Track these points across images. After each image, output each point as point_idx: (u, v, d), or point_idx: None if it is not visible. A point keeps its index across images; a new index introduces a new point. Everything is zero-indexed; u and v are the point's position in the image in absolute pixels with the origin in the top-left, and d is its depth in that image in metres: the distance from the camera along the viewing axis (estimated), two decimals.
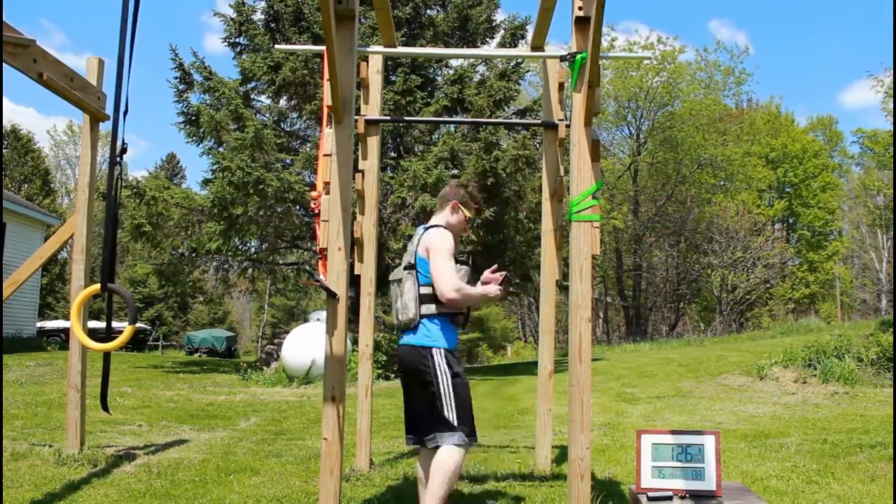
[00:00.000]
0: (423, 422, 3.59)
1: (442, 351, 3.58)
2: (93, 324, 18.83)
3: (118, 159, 3.73)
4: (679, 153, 34.18)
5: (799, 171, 44.19)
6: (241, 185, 14.04)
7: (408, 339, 3.63)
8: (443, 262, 3.56)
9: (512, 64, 16.49)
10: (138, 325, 30.36)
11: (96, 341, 3.88)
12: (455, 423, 3.46)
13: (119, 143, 3.65)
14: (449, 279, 3.52)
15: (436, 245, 3.61)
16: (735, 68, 34.47)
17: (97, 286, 3.76)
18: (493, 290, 3.65)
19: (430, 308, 3.61)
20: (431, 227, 3.74)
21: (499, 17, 18.25)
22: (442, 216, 3.88)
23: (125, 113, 3.61)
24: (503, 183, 15.12)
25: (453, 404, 3.49)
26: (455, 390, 3.51)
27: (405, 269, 3.70)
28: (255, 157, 14.48)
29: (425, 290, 3.61)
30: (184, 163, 52.51)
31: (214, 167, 15.16)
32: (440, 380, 3.52)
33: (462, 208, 3.86)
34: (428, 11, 17.54)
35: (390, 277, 3.83)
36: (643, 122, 34.84)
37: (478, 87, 16.21)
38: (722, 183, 38.08)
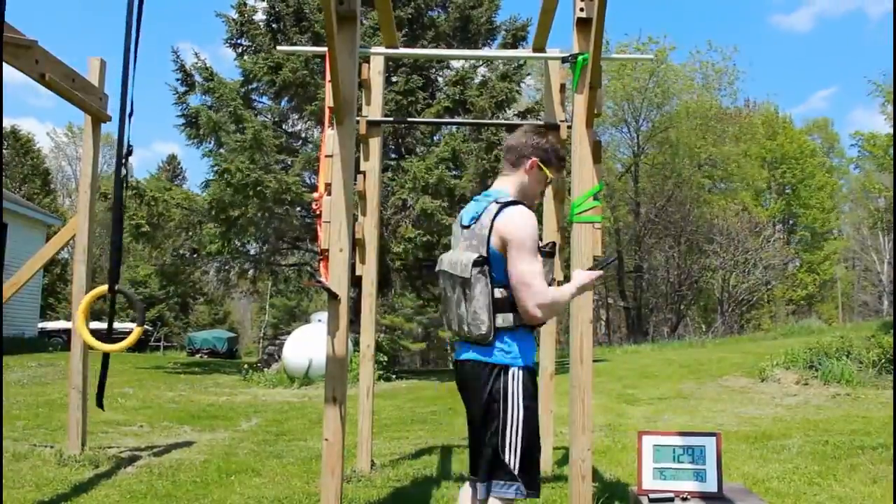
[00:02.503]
0: (478, 458, 2.75)
1: (521, 372, 2.69)
2: (94, 324, 18.85)
3: (124, 161, 3.74)
4: (678, 154, 34.16)
5: (797, 172, 44.17)
6: (241, 187, 14.04)
7: (475, 353, 2.72)
8: (529, 263, 2.62)
9: (513, 65, 16.49)
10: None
11: (102, 342, 3.90)
12: (516, 471, 2.62)
13: (125, 146, 3.65)
14: (538, 290, 2.61)
15: (518, 237, 2.62)
16: (727, 67, 34.48)
17: (104, 287, 3.77)
18: (588, 277, 2.85)
19: (509, 318, 2.67)
20: (507, 203, 2.71)
21: (500, 18, 18.21)
22: (515, 179, 2.87)
23: (130, 114, 3.61)
24: None
25: (519, 445, 2.64)
26: (525, 426, 2.66)
27: (474, 265, 2.66)
28: (255, 159, 14.49)
29: (500, 294, 2.66)
30: (185, 164, 52.62)
31: (214, 168, 15.18)
32: (511, 411, 2.65)
33: (543, 168, 2.89)
34: (429, 12, 17.55)
35: (443, 267, 2.83)
36: (642, 123, 34.85)
37: (480, 88, 16.23)
38: (721, 185, 38.08)
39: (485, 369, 2.69)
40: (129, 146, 3.67)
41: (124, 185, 3.80)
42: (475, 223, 2.74)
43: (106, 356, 4.51)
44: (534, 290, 2.60)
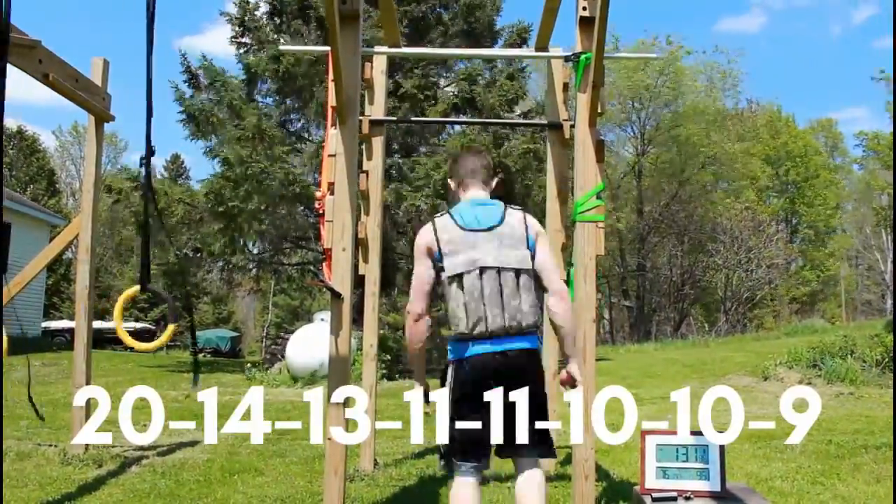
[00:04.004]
0: (511, 438, 2.95)
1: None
2: (97, 324, 18.88)
3: (148, 161, 3.73)
4: (683, 153, 34.12)
5: (801, 170, 44.08)
6: (242, 179, 13.98)
7: (525, 343, 3.02)
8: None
9: (519, 65, 16.49)
10: (142, 325, 30.42)
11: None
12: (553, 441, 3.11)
13: (148, 147, 3.65)
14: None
15: (544, 232, 3.17)
16: (731, 70, 34.43)
17: (136, 288, 3.79)
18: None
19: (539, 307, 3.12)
20: (518, 208, 3.19)
21: (503, 17, 18.23)
22: (490, 190, 3.28)
23: (151, 114, 3.61)
24: (513, 179, 15.11)
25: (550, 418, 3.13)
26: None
27: (531, 259, 3.03)
28: (257, 150, 14.43)
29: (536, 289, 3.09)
30: (189, 163, 52.66)
31: (216, 160, 15.17)
32: (545, 390, 3.10)
33: None
34: (433, 11, 17.52)
35: (489, 264, 3.00)
36: (647, 122, 34.79)
37: (487, 86, 16.21)
38: (725, 184, 38.01)
39: (534, 356, 3.06)
40: (153, 147, 3.67)
41: (149, 187, 3.80)
42: (502, 226, 3.06)
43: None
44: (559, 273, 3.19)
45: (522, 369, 2.99)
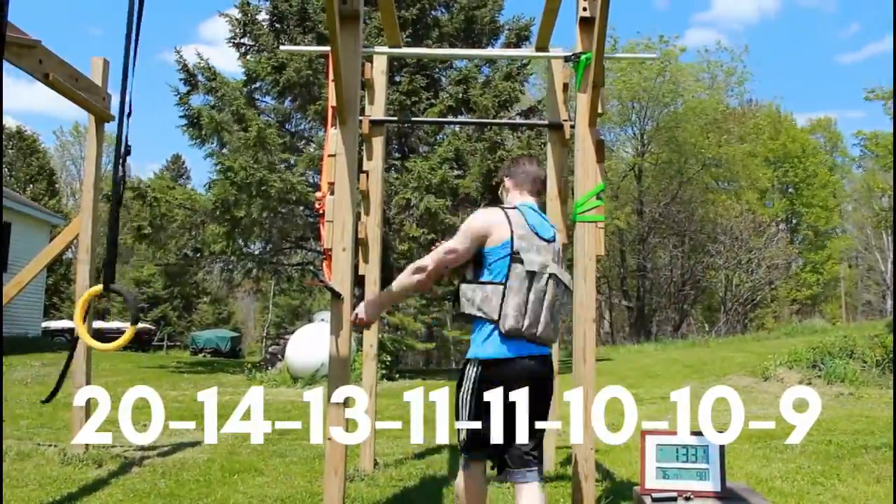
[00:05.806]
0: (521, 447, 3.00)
1: None
2: (97, 324, 18.84)
3: (123, 161, 3.72)
4: (683, 153, 34.08)
5: (800, 171, 44.04)
6: (244, 186, 14.03)
7: (546, 351, 3.10)
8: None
9: (517, 65, 16.49)
10: (143, 325, 30.35)
11: (102, 342, 3.90)
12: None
13: (124, 145, 3.63)
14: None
15: None
16: (737, 68, 34.36)
17: (99, 287, 3.77)
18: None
19: None
20: (556, 227, 3.39)
21: (503, 17, 18.18)
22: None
23: (129, 114, 3.60)
24: None
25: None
26: None
27: (569, 283, 3.22)
28: (259, 158, 14.46)
29: None
30: (189, 164, 52.63)
31: (217, 167, 15.18)
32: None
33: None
34: (433, 12, 17.54)
35: (554, 272, 3.09)
36: (647, 123, 34.75)
37: (483, 87, 16.22)
38: (726, 184, 37.98)
39: (551, 366, 3.13)
40: (128, 146, 3.65)
41: (122, 185, 3.78)
42: (554, 242, 3.21)
43: (69, 358, 4.62)
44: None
45: (549, 376, 3.10)
